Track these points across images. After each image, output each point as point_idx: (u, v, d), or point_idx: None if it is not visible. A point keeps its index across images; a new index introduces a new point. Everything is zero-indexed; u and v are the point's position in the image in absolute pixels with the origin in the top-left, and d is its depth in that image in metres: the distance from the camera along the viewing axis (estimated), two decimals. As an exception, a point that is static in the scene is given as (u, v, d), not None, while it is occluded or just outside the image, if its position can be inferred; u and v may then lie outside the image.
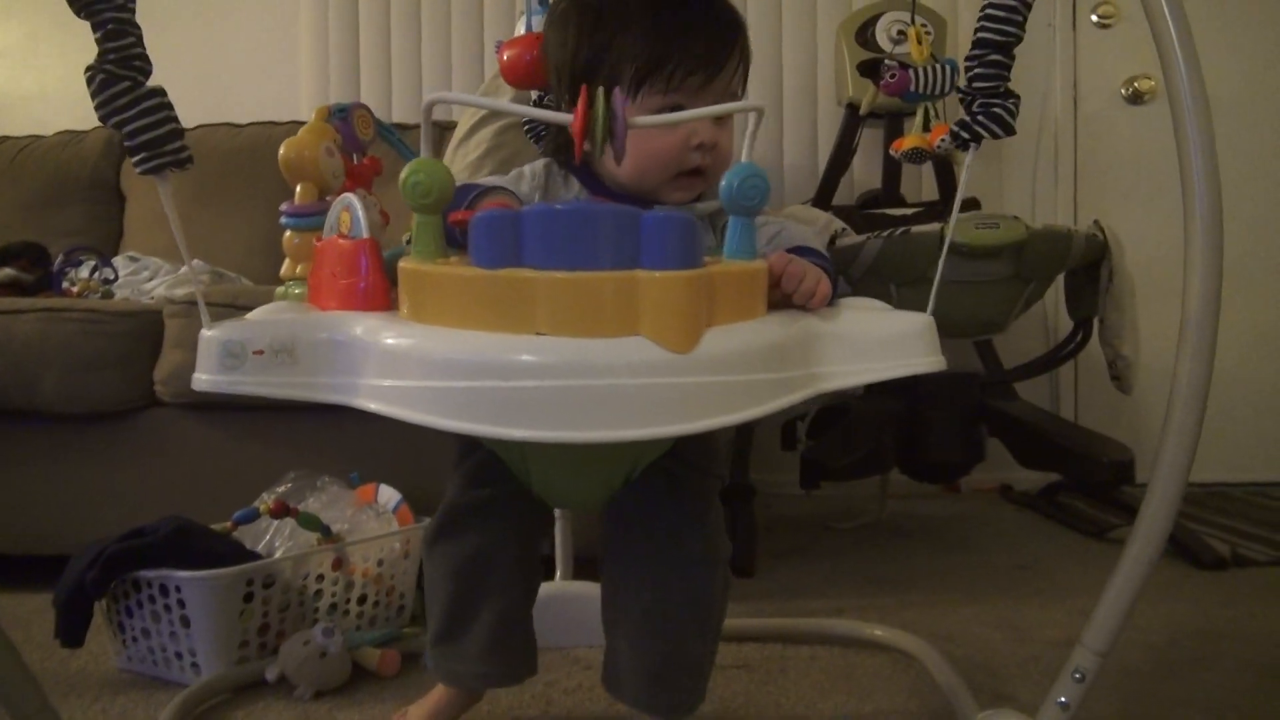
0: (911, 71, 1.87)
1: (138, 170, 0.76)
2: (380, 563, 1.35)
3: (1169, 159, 2.68)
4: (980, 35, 0.82)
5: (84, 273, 1.87)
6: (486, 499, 0.89)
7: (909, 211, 2.17)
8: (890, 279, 1.67)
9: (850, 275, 1.72)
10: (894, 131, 2.22)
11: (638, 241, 0.63)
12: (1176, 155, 2.64)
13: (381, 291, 0.74)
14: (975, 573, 1.69)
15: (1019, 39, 0.82)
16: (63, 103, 2.59)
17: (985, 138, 0.82)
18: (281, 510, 1.26)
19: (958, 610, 1.45)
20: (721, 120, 0.85)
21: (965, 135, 0.83)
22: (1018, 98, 0.83)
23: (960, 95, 0.84)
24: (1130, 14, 2.51)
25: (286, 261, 0.92)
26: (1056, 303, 2.18)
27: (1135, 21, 2.49)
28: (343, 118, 1.01)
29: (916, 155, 1.94)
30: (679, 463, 0.86)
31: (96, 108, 0.74)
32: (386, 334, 0.67)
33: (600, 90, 0.70)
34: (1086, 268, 1.74)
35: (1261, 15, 2.52)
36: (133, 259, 2.10)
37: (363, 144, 1.03)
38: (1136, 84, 2.51)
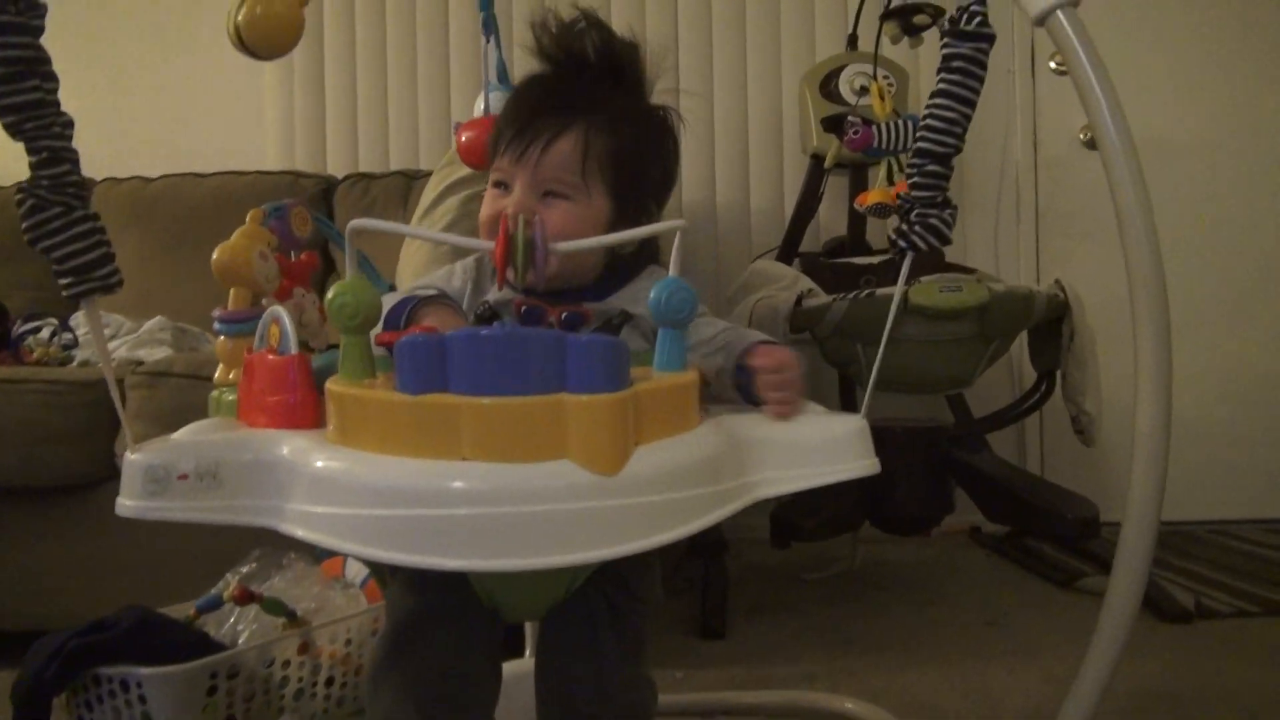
0: (874, 128, 1.91)
1: (64, 295, 0.74)
2: (348, 642, 1.33)
3: (1129, 204, 2.68)
4: (920, 145, 0.83)
5: (44, 335, 1.84)
6: (443, 607, 0.85)
7: (875, 260, 2.19)
8: (857, 339, 1.68)
9: (817, 334, 1.73)
10: (859, 181, 2.25)
11: (564, 365, 0.63)
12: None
13: (310, 408, 0.74)
14: (945, 630, 1.70)
15: (958, 150, 0.83)
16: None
17: (922, 249, 0.83)
18: (245, 597, 1.24)
19: (928, 674, 1.46)
20: (548, 196, 0.87)
21: (903, 244, 0.84)
22: (954, 208, 0.84)
23: (899, 203, 0.85)
24: (1088, 60, 2.55)
25: (220, 367, 0.91)
26: (1023, 354, 2.20)
27: (1092, 68, 2.54)
28: (279, 217, 1.00)
29: (881, 210, 1.98)
30: (618, 588, 0.85)
31: (25, 231, 0.73)
32: (313, 457, 0.67)
33: (520, 219, 0.71)
34: (1049, 324, 1.77)
35: (1214, 60, 2.57)
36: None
37: (300, 241, 1.01)
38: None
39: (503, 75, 1.23)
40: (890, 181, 1.96)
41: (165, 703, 1.13)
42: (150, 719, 1.14)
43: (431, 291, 0.88)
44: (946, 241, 0.85)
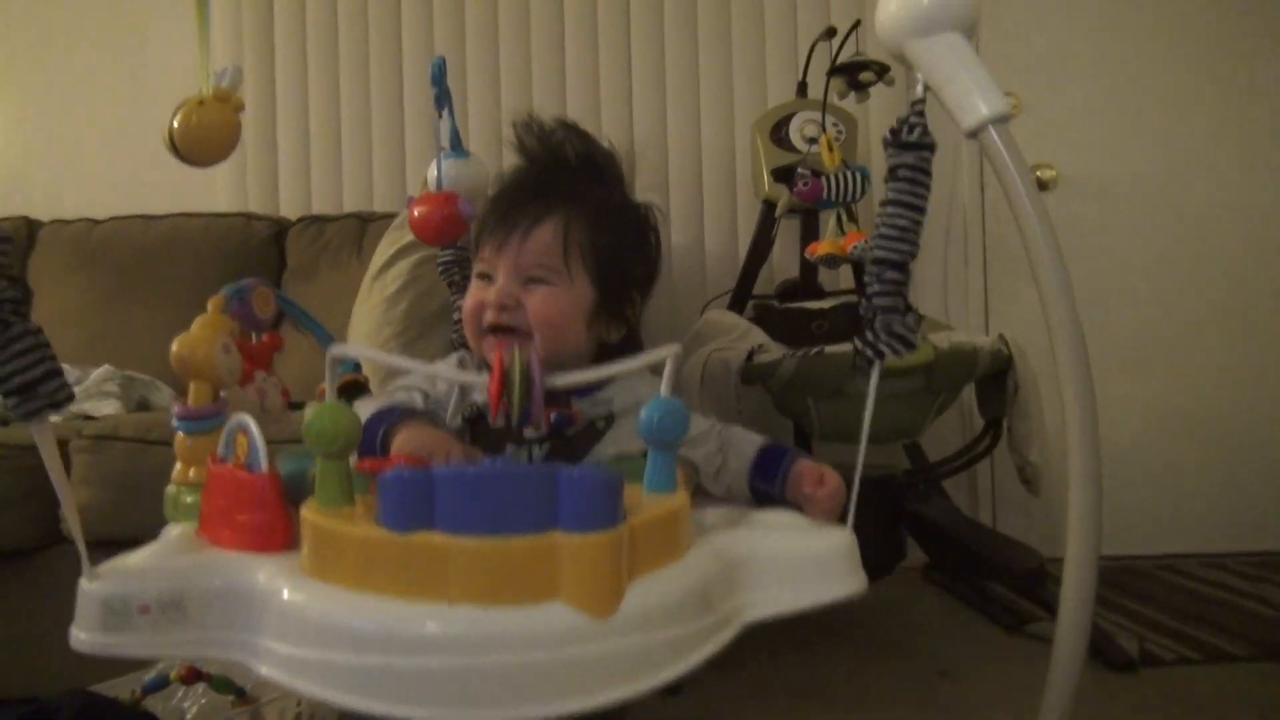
0: (824, 180, 1.93)
1: (14, 415, 0.71)
2: (298, 717, 1.32)
3: (1074, 243, 2.80)
4: (877, 254, 0.84)
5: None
6: None
7: (826, 305, 2.22)
8: (808, 394, 1.70)
9: (769, 387, 1.75)
10: (810, 226, 2.28)
11: (555, 502, 0.60)
12: (1079, 241, 2.74)
13: (281, 531, 0.71)
14: (898, 682, 1.72)
15: (913, 255, 0.85)
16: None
17: (887, 357, 0.85)
18: (193, 676, 1.23)
19: (879, 731, 1.48)
20: (530, 282, 0.89)
21: (870, 354, 0.85)
22: (916, 313, 0.86)
23: (862, 311, 0.86)
24: (1031, 106, 2.61)
25: (179, 465, 0.87)
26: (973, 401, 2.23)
27: (1036, 112, 2.61)
28: (240, 299, 0.98)
29: (831, 260, 2.00)
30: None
31: None
32: (287, 592, 0.64)
33: (516, 351, 0.71)
34: (994, 375, 1.80)
35: (1165, 100, 2.64)
36: (39, 366, 2.03)
37: (262, 323, 0.99)
38: (1039, 173, 2.61)
39: (455, 143, 1.23)
40: (841, 231, 1.99)
41: (109, 791, 1.11)
42: (93, 807, 1.12)
43: (412, 396, 0.87)
44: (911, 347, 0.86)
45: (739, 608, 0.72)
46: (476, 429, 0.86)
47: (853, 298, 2.29)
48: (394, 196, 2.54)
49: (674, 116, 2.55)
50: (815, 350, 1.65)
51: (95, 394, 1.93)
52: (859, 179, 1.92)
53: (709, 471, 0.91)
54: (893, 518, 1.87)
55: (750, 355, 1.72)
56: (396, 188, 2.54)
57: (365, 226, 2.34)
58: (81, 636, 0.67)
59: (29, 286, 2.41)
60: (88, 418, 1.84)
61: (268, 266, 2.31)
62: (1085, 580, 0.88)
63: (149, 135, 2.62)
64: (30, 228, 2.40)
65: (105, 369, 2.00)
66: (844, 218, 1.99)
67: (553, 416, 0.84)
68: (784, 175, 2.15)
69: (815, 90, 2.24)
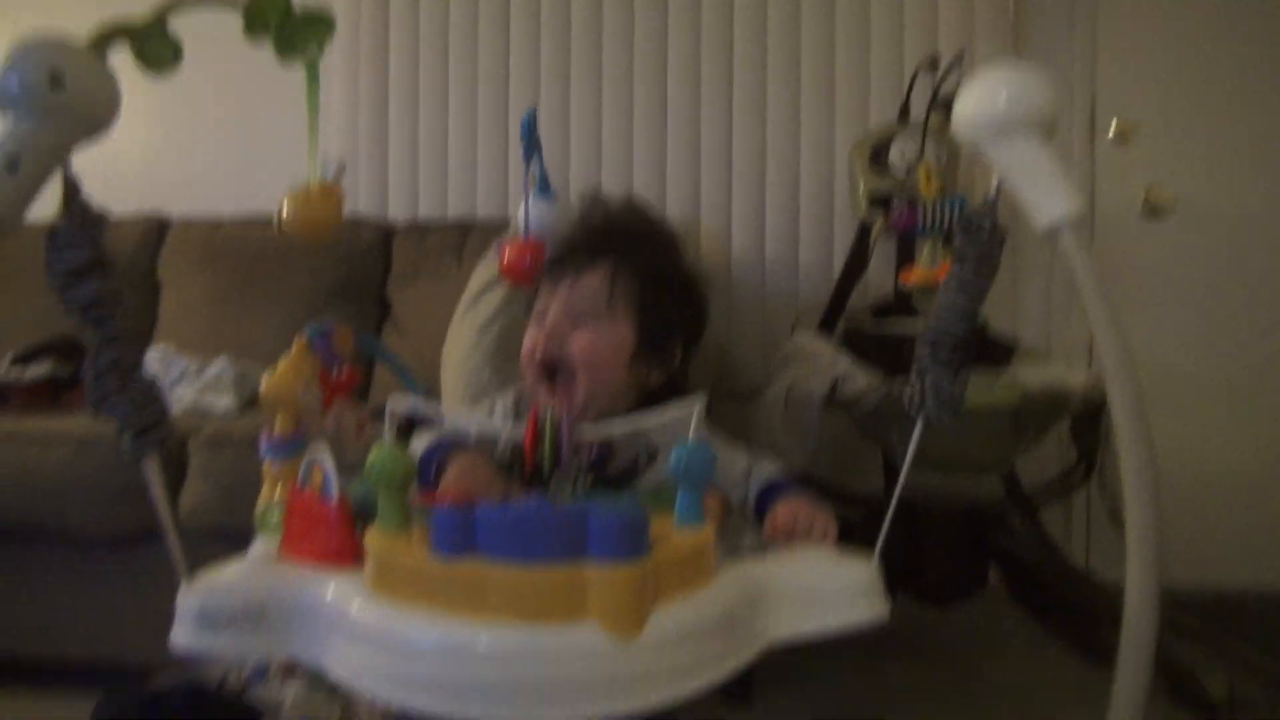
0: (919, 210, 1.93)
1: (126, 453, 0.80)
2: (386, 715, 1.40)
3: (1186, 271, 2.71)
4: (932, 327, 0.86)
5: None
6: None
7: (921, 327, 2.20)
8: (892, 425, 1.70)
9: (853, 415, 1.76)
10: (907, 248, 2.26)
11: (585, 536, 0.68)
12: (1194, 268, 2.65)
13: (349, 551, 0.80)
14: (967, 703, 1.71)
15: (971, 332, 0.86)
16: (100, 185, 2.69)
17: (934, 421, 0.86)
18: (290, 670, 1.32)
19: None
20: (576, 321, 0.96)
21: (915, 414, 0.87)
22: (967, 373, 0.87)
23: (915, 368, 0.88)
24: (1149, 128, 2.53)
25: (265, 487, 0.98)
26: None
27: (1154, 135, 2.52)
28: (322, 338, 1.06)
29: (924, 291, 1.99)
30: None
31: (89, 395, 0.80)
32: (352, 606, 0.73)
33: (549, 415, 0.77)
34: (1089, 414, 1.77)
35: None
36: (163, 357, 2.18)
37: (341, 359, 1.07)
38: (1153, 197, 2.52)
39: (544, 187, 1.28)
40: (935, 260, 1.98)
41: (215, 776, 1.21)
42: (201, 789, 1.22)
43: (462, 432, 0.94)
44: (958, 414, 0.88)
45: (763, 629, 0.78)
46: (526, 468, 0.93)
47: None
48: (497, 202, 2.62)
49: (774, 130, 2.55)
50: (899, 388, 1.65)
51: (213, 388, 2.06)
52: (956, 208, 1.90)
53: (735, 507, 0.96)
54: (975, 546, 1.85)
55: (834, 386, 1.73)
56: (499, 194, 2.62)
57: (466, 236, 2.43)
58: (181, 639, 0.76)
59: (158, 281, 2.59)
60: (204, 413, 1.98)
61: (374, 269, 2.42)
62: (1146, 619, 0.86)
63: (271, 138, 2.77)
64: (161, 225, 2.56)
65: (221, 363, 2.13)
66: (937, 249, 1.98)
67: (594, 449, 0.90)
68: (881, 200, 2.14)
69: (918, 113, 2.22)
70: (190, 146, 2.81)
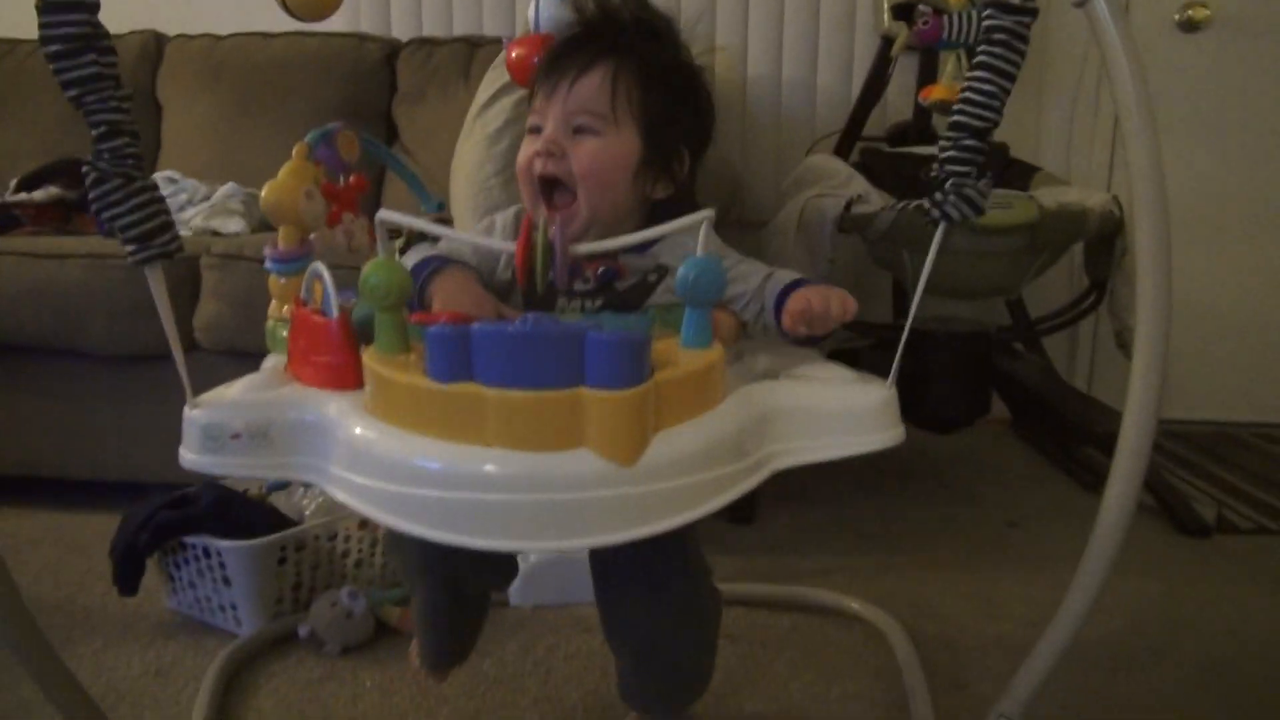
0: (944, 19, 1.84)
1: (129, 261, 0.78)
2: (402, 519, 1.47)
3: (1220, 89, 2.64)
4: (957, 119, 0.82)
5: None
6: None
7: (938, 150, 2.15)
8: (904, 245, 1.69)
9: (866, 237, 1.74)
10: (929, 67, 2.18)
11: (582, 361, 0.65)
12: (1228, 86, 2.58)
13: (352, 370, 0.78)
14: (965, 530, 1.78)
15: (996, 124, 0.83)
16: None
17: (955, 221, 0.84)
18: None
19: (939, 575, 1.55)
20: (576, 132, 0.88)
21: (936, 214, 0.84)
22: (989, 177, 0.84)
23: (934, 172, 0.85)
24: (1192, -65, 2.38)
25: (273, 301, 0.95)
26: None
27: (1194, -57, 2.37)
28: (325, 143, 1.02)
29: (944, 106, 1.93)
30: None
31: (90, 201, 0.77)
32: (352, 428, 0.71)
33: (542, 223, 0.74)
34: (1104, 237, 1.74)
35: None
36: (171, 180, 2.15)
37: (348, 166, 1.03)
38: (1191, 11, 2.40)
39: (556, -18, 1.22)
40: (957, 76, 1.91)
41: (242, 570, 1.28)
42: (229, 582, 1.30)
43: (460, 248, 0.91)
44: (981, 212, 0.85)
45: (771, 455, 0.76)
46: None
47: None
48: (503, 20, 2.52)
49: (793, -60, 2.41)
50: (914, 204, 1.62)
51: (222, 211, 2.05)
52: (981, 19, 1.82)
53: (752, 324, 0.93)
54: (979, 373, 1.87)
55: (848, 205, 1.70)
56: (506, 11, 2.51)
57: (474, 52, 2.34)
58: (188, 456, 0.76)
59: (159, 102, 2.53)
60: (215, 234, 1.98)
61: (379, 88, 2.35)
62: (1142, 436, 0.87)
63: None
64: (158, 42, 2.48)
65: (230, 186, 2.11)
66: (961, 62, 1.91)
67: (600, 270, 0.87)
68: (905, 11, 2.04)
69: (948, -84, 2.09)
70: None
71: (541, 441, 0.65)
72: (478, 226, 0.96)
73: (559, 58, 0.91)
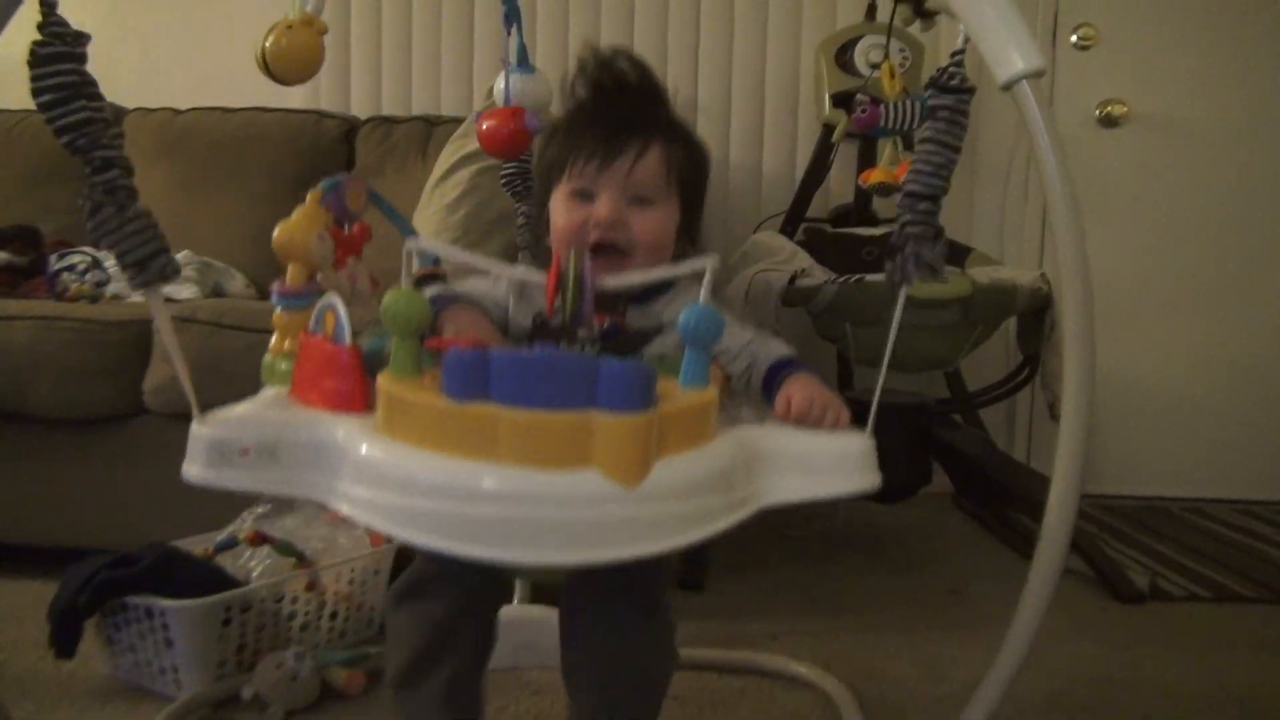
0: (882, 108, 1.95)
1: (130, 286, 0.82)
2: (351, 581, 1.46)
3: (1139, 181, 2.78)
4: (910, 188, 0.89)
5: (80, 269, 1.94)
6: (453, 570, 0.94)
7: (877, 231, 2.25)
8: (846, 319, 1.76)
9: (810, 310, 1.81)
10: (868, 152, 2.29)
11: (594, 386, 0.69)
12: (1146, 178, 2.72)
13: (360, 396, 0.81)
14: (909, 596, 1.81)
15: (945, 190, 0.89)
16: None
17: (913, 280, 0.90)
18: (259, 539, 1.37)
19: (885, 640, 1.57)
20: (635, 203, 0.94)
21: (896, 278, 0.90)
22: (944, 241, 0.90)
23: (893, 240, 0.91)
24: (1110, 37, 2.56)
25: (275, 336, 0.97)
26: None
27: (1115, 44, 2.55)
28: (335, 192, 1.06)
29: (883, 189, 2.03)
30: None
31: (90, 230, 0.82)
32: (363, 445, 0.73)
33: (572, 255, 0.78)
34: (1034, 312, 1.83)
35: (1235, 42, 2.57)
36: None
37: (354, 215, 1.06)
38: (1110, 108, 2.56)
39: (522, 59, 1.28)
40: (896, 159, 2.01)
41: (185, 631, 1.26)
42: (171, 643, 1.27)
43: (466, 289, 0.95)
44: (938, 276, 0.92)
45: (758, 492, 0.80)
46: (539, 329, 0.94)
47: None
48: (460, 100, 2.59)
49: (741, 33, 2.54)
50: (855, 278, 1.70)
51: (177, 280, 2.05)
52: (918, 107, 1.93)
53: (739, 384, 0.97)
54: (921, 443, 1.93)
55: (793, 279, 1.77)
56: (463, 92, 2.60)
57: (431, 130, 2.40)
58: (192, 471, 0.77)
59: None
60: (168, 299, 1.98)
61: (337, 165, 2.39)
62: (1068, 502, 0.93)
63: (229, 28, 2.70)
64: (117, 114, 2.51)
65: (185, 254, 2.12)
66: (898, 148, 2.02)
67: (606, 323, 0.91)
68: (845, 100, 2.16)
69: (885, 14, 2.23)
70: (146, 39, 2.74)
71: (552, 459, 0.68)
72: (488, 277, 0.98)
73: (616, 133, 0.95)
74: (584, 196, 0.95)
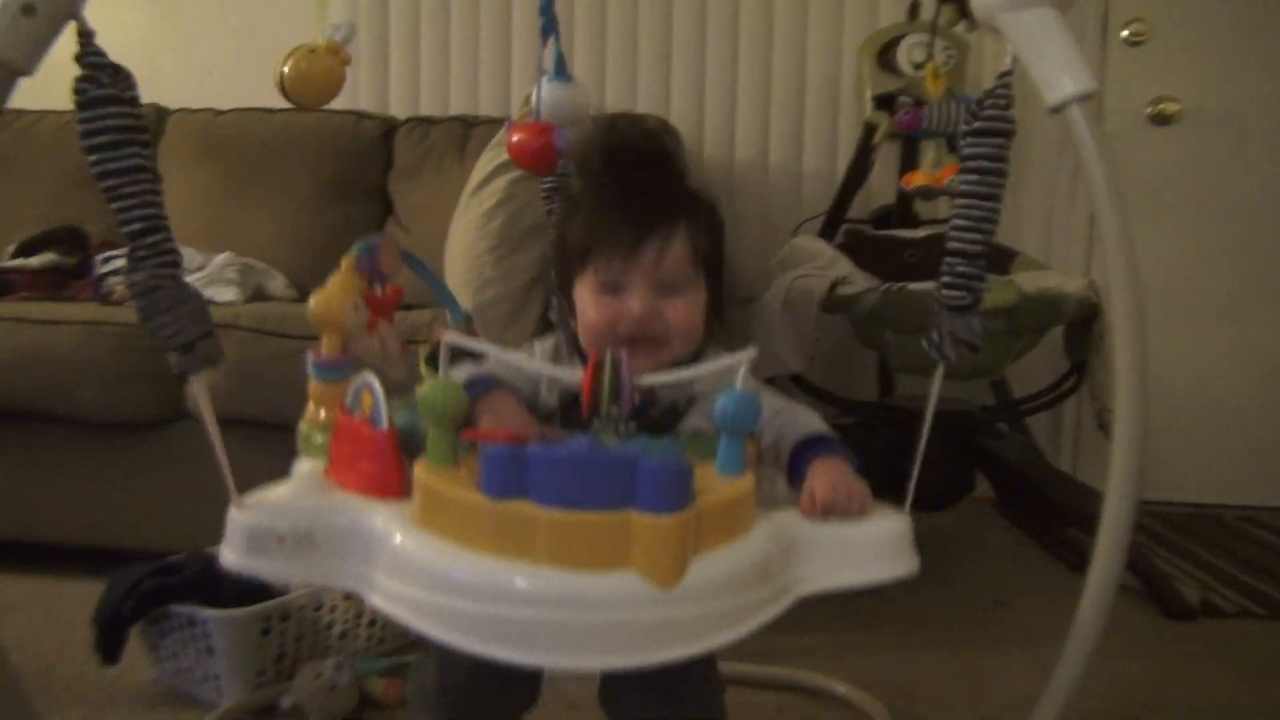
0: (925, 110, 1.91)
1: (175, 370, 0.80)
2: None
3: (1190, 181, 2.72)
4: (951, 244, 0.86)
5: (123, 277, 1.96)
6: (489, 683, 0.91)
7: (919, 234, 2.21)
8: (887, 327, 1.73)
9: (850, 318, 1.78)
10: (910, 152, 2.25)
11: (632, 485, 0.67)
12: (1198, 178, 2.66)
13: (396, 481, 0.79)
14: (951, 609, 1.78)
15: (987, 247, 0.86)
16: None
17: (951, 358, 0.87)
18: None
19: (925, 655, 1.55)
20: (667, 294, 0.91)
21: (935, 355, 0.88)
22: (983, 315, 0.87)
23: (934, 306, 0.88)
24: (1162, 32, 2.49)
25: (310, 405, 0.95)
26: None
27: (1167, 40, 2.48)
28: (369, 255, 1.05)
29: (926, 192, 1.99)
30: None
31: (139, 307, 0.78)
32: (399, 538, 0.73)
33: (609, 357, 0.76)
34: (1081, 320, 1.79)
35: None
36: (167, 249, 2.18)
37: (387, 277, 1.05)
38: (1162, 105, 2.50)
39: (560, 68, 1.25)
40: (939, 162, 1.97)
41: (226, 640, 1.27)
42: (213, 651, 1.28)
43: (499, 371, 0.91)
44: (976, 350, 0.89)
45: (795, 581, 0.78)
46: (568, 408, 0.91)
47: (946, 228, 2.28)
48: (498, 101, 2.59)
49: (781, 32, 2.51)
50: (898, 286, 1.66)
51: (216, 280, 2.07)
52: (961, 109, 1.89)
53: (769, 457, 0.94)
54: (963, 452, 1.89)
55: (833, 286, 1.74)
56: (501, 92, 2.59)
57: (469, 131, 2.40)
58: (230, 557, 0.77)
59: (159, 173, 2.57)
60: (210, 302, 2.00)
61: (375, 165, 2.41)
62: (1122, 522, 0.89)
63: (270, 29, 2.72)
64: (160, 115, 2.53)
65: (226, 256, 2.14)
66: (942, 150, 1.98)
67: (636, 398, 0.89)
68: (887, 101, 2.12)
69: (928, 12, 2.19)
70: (188, 42, 2.76)
71: (590, 561, 0.67)
72: (518, 353, 0.96)
73: (640, 220, 0.92)
74: (612, 289, 0.92)
